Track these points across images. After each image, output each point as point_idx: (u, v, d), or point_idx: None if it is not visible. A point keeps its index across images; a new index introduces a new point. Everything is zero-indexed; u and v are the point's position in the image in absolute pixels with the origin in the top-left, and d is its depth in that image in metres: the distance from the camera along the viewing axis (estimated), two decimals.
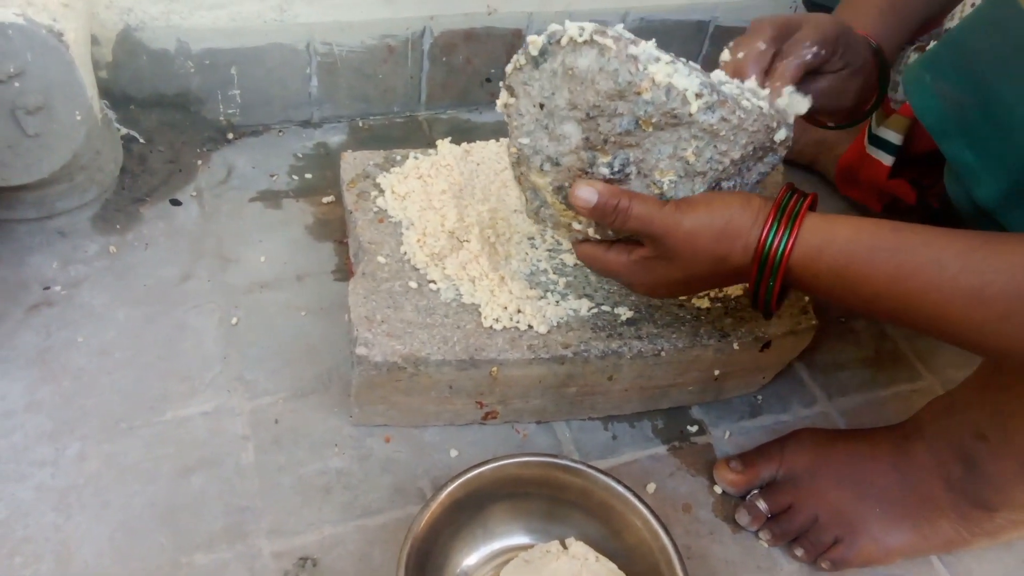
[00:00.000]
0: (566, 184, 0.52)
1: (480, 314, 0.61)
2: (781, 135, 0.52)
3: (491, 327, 0.61)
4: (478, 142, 0.76)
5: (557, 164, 0.51)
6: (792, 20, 0.55)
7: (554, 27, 0.48)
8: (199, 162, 0.82)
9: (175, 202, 0.78)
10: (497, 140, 0.77)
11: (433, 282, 0.63)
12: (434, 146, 0.75)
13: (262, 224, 0.78)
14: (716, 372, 0.67)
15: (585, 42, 0.47)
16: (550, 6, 0.90)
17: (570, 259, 0.67)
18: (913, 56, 0.75)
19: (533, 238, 0.68)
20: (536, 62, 0.49)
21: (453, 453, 0.64)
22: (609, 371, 0.63)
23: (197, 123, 0.83)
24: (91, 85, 0.68)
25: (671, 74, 0.47)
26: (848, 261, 0.46)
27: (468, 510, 0.56)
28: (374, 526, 0.59)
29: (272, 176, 0.83)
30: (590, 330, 0.62)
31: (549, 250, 0.67)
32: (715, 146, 0.50)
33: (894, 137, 0.73)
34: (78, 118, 0.63)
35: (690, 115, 0.48)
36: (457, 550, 0.56)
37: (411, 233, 0.66)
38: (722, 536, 0.62)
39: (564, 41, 0.47)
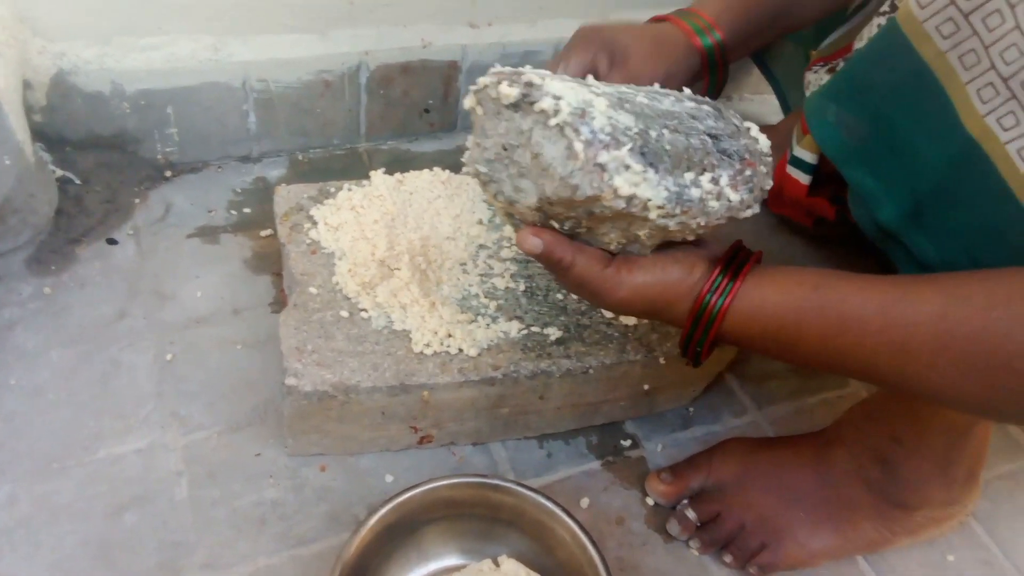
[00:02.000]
0: (516, 220, 0.51)
1: (411, 340, 0.63)
2: (748, 214, 0.51)
3: (421, 352, 0.62)
4: (411, 172, 0.78)
5: (511, 203, 0.50)
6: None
7: (530, 76, 0.45)
8: (136, 200, 0.83)
9: (111, 241, 0.78)
10: (431, 170, 0.79)
11: (364, 310, 0.64)
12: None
13: (199, 260, 0.79)
14: (646, 387, 0.68)
15: (558, 125, 0.44)
16: (483, 38, 0.93)
17: (502, 283, 0.69)
18: (826, 79, 0.78)
19: (465, 264, 0.70)
20: (507, 108, 0.46)
21: (389, 479, 0.65)
22: (540, 390, 0.65)
23: (134, 162, 0.84)
24: (22, 129, 0.69)
25: (637, 184, 0.44)
26: (779, 326, 0.47)
27: (401, 534, 0.57)
28: (309, 555, 0.59)
29: (210, 212, 0.84)
30: (520, 351, 0.64)
31: (481, 275, 0.69)
32: (669, 232, 0.49)
33: (809, 157, 0.76)
34: (7, 163, 0.64)
35: (647, 220, 0.46)
36: (391, 574, 0.57)
37: (343, 263, 0.67)
38: (655, 547, 0.64)
39: (537, 108, 0.44)
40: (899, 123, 0.50)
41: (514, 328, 0.65)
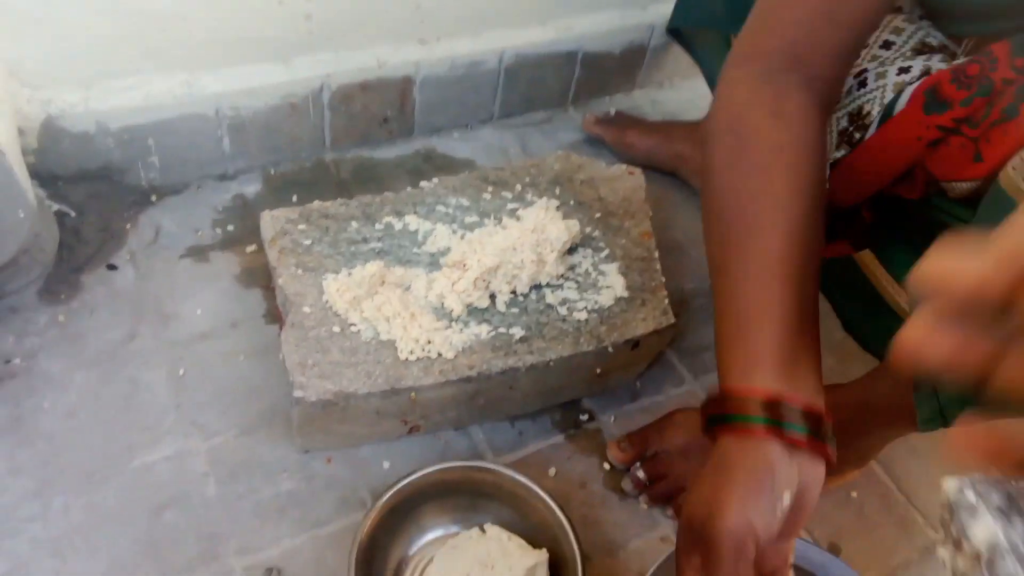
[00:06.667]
0: None
1: (396, 348, 0.73)
2: None
3: (407, 359, 0.73)
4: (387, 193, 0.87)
5: None
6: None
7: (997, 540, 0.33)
8: (128, 226, 0.90)
9: (111, 267, 0.86)
10: (403, 184, 0.88)
11: (353, 325, 0.74)
12: (343, 186, 0.85)
13: (194, 278, 0.87)
14: (598, 370, 0.81)
15: None
16: (433, 53, 1.01)
17: (470, 288, 0.79)
18: None
19: (432, 276, 0.80)
20: None
21: (386, 464, 0.76)
22: (509, 382, 0.76)
23: (121, 190, 0.91)
24: (25, 178, 0.76)
25: None
26: None
27: (403, 512, 0.69)
28: (325, 535, 0.71)
29: (197, 232, 0.92)
30: (490, 351, 0.75)
31: (453, 283, 0.79)
32: None
33: None
34: (21, 216, 0.71)
35: None
36: (397, 545, 0.69)
37: (331, 282, 0.77)
38: (612, 504, 0.77)
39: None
40: None
41: (484, 330, 0.76)
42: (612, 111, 1.17)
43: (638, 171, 0.96)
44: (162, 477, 0.72)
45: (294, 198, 0.98)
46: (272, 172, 1.00)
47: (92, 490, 0.70)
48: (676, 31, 1.10)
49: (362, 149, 1.06)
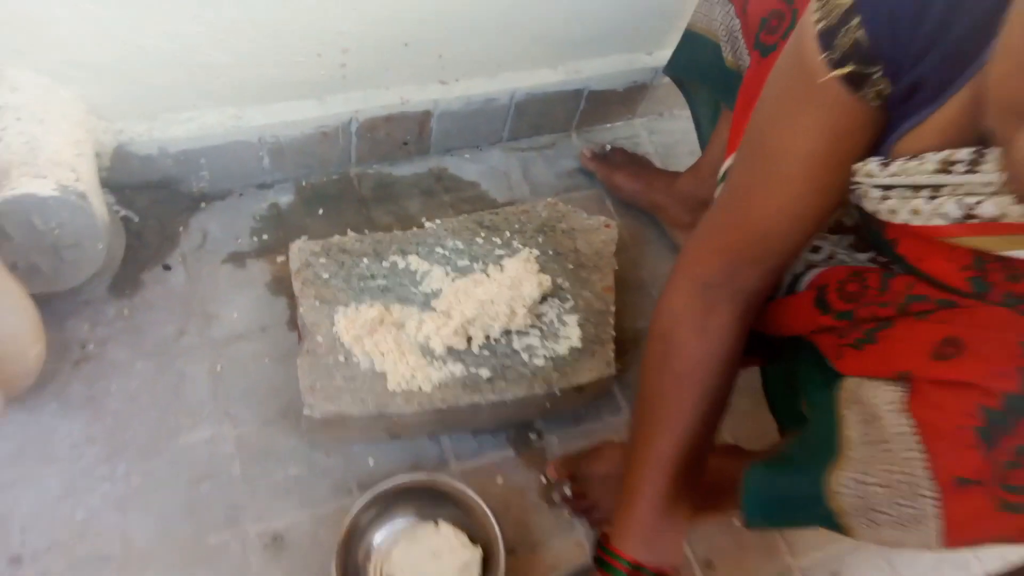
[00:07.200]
0: None
1: (387, 380, 0.93)
2: None
3: (394, 390, 0.93)
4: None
5: None
6: None
7: None
8: (181, 229, 1.08)
9: (166, 267, 1.05)
10: (416, 201, 1.04)
11: (355, 356, 0.94)
12: (363, 202, 1.01)
13: (233, 284, 1.06)
14: (548, 405, 1.00)
15: None
16: (451, 92, 1.15)
17: (451, 335, 0.98)
18: None
19: (423, 318, 0.98)
20: None
21: (371, 461, 0.97)
22: (473, 412, 0.96)
23: (176, 196, 1.09)
24: (100, 205, 0.93)
25: None
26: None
27: (377, 508, 0.91)
28: (320, 513, 0.93)
29: (237, 239, 1.10)
30: (460, 388, 0.94)
31: (438, 328, 0.98)
32: None
33: None
34: (100, 247, 0.90)
35: None
36: (371, 531, 0.92)
37: (341, 317, 0.96)
38: (541, 510, 0.98)
39: None
40: None
41: (458, 369, 0.95)
42: (608, 146, 1.29)
43: (614, 224, 1.12)
44: (200, 455, 0.94)
45: (320, 211, 1.15)
46: (304, 183, 1.17)
47: (148, 460, 0.92)
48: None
49: (383, 165, 1.21)
